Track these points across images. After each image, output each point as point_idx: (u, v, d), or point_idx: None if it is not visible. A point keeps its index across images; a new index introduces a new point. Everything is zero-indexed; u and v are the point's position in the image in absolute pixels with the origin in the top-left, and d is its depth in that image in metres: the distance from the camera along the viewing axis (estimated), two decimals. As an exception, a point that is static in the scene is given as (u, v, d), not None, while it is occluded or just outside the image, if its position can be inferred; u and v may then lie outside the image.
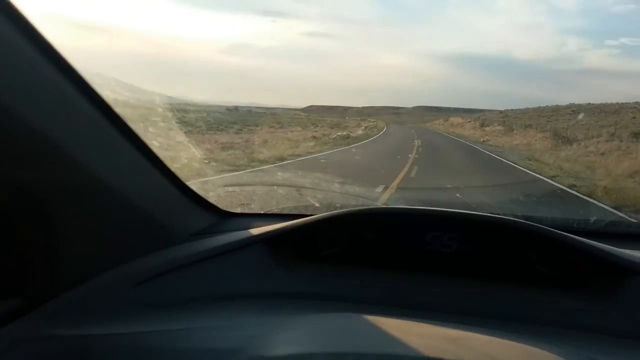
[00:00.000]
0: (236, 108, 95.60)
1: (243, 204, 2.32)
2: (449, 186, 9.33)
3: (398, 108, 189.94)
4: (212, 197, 1.88)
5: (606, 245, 1.50)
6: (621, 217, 8.79)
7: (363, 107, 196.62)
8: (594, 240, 1.66)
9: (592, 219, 2.24)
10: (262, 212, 2.16)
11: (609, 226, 2.23)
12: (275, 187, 3.25)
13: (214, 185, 2.63)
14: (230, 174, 9.37)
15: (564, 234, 1.48)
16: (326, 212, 1.79)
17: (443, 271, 1.58)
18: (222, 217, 1.92)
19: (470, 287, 1.51)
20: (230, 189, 3.43)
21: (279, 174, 7.18)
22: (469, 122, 60.11)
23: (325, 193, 2.92)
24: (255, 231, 1.62)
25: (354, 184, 7.53)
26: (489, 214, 1.58)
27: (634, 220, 6.20)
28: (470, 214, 1.58)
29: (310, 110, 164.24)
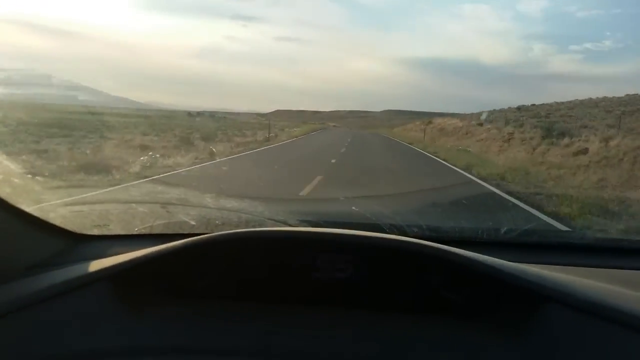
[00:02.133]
0: (198, 113, 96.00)
1: (99, 225, 1.98)
2: (342, 198, 8.32)
3: (367, 112, 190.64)
4: (55, 220, 1.63)
5: (518, 266, 1.38)
6: (535, 218, 8.51)
7: (331, 112, 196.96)
8: (507, 253, 1.72)
9: (503, 229, 2.14)
10: (125, 233, 1.93)
11: (522, 236, 2.14)
12: (133, 204, 2.79)
13: (51, 205, 2.11)
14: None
15: (466, 256, 1.34)
16: (205, 230, 1.74)
17: (333, 302, 1.41)
18: (75, 242, 1.70)
19: (359, 322, 1.34)
20: (76, 208, 2.91)
21: (132, 190, 6.27)
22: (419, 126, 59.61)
23: (199, 209, 2.55)
24: (101, 263, 1.41)
25: (234, 196, 6.70)
26: (377, 235, 1.41)
27: (550, 230, 5.71)
28: (357, 235, 1.42)
29: (275, 114, 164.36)
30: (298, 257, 1.48)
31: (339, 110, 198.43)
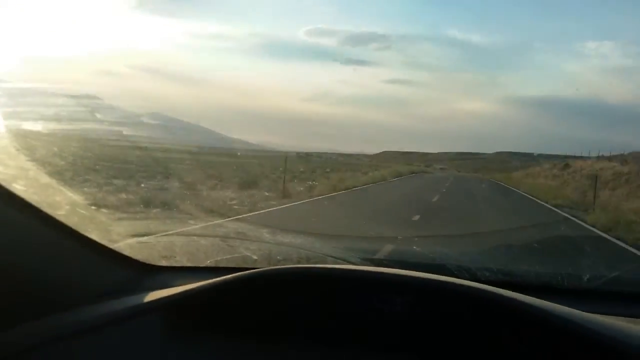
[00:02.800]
0: (306, 154, 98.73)
1: (167, 257, 2.07)
2: (400, 237, 8.08)
3: (477, 154, 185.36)
4: (124, 249, 1.71)
5: (599, 318, 1.24)
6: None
7: (440, 153, 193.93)
8: (590, 303, 1.48)
9: (586, 275, 1.93)
10: (191, 265, 1.96)
11: (609, 285, 1.93)
12: (194, 237, 2.98)
13: (118, 235, 2.27)
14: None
15: (539, 307, 1.22)
16: (268, 265, 1.64)
17: (392, 346, 1.35)
18: (144, 272, 1.72)
19: None
20: (142, 239, 3.08)
21: (191, 222, 6.48)
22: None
23: (258, 244, 2.61)
24: (161, 293, 1.46)
25: (291, 231, 6.74)
26: (438, 278, 1.35)
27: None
28: (415, 277, 1.37)
29: (382, 156, 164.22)
30: (357, 296, 1.41)
31: (448, 152, 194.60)
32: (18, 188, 1.22)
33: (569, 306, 1.30)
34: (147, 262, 1.78)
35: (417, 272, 1.41)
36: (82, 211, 1.64)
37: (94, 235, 1.47)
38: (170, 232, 5.03)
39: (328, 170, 37.78)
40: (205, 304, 1.44)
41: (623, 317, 1.48)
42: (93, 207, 2.20)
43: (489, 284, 1.42)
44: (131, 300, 1.43)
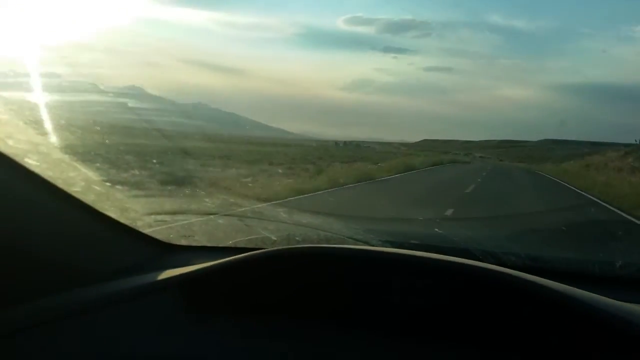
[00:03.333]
0: (344, 143, 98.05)
1: (186, 236, 2.08)
2: (421, 218, 7.66)
3: (521, 142, 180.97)
4: (143, 228, 1.73)
5: (628, 306, 1.21)
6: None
7: (481, 141, 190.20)
8: (624, 292, 1.43)
9: (619, 262, 1.81)
10: (211, 245, 1.97)
11: None
12: (212, 216, 2.94)
13: (136, 212, 2.29)
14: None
15: (563, 292, 1.19)
16: (287, 246, 1.63)
17: (407, 330, 1.32)
18: (163, 251, 1.74)
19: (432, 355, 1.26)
20: (159, 217, 3.11)
21: (207, 200, 6.45)
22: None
23: (276, 224, 2.59)
24: (178, 271, 1.47)
25: (307, 211, 6.31)
26: (459, 261, 1.33)
27: None
28: (437, 260, 1.34)
29: (422, 144, 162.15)
30: (376, 277, 1.39)
31: (490, 140, 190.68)
32: (31, 163, 1.23)
33: (599, 293, 1.26)
34: (167, 241, 1.79)
35: (439, 255, 1.37)
36: (97, 188, 1.63)
37: (111, 213, 1.47)
38: (188, 212, 4.91)
39: (348, 160, 34.14)
40: (223, 281, 1.45)
41: None
42: (108, 184, 2.22)
43: (515, 269, 1.38)
44: (150, 277, 1.45)
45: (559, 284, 1.22)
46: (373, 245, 1.86)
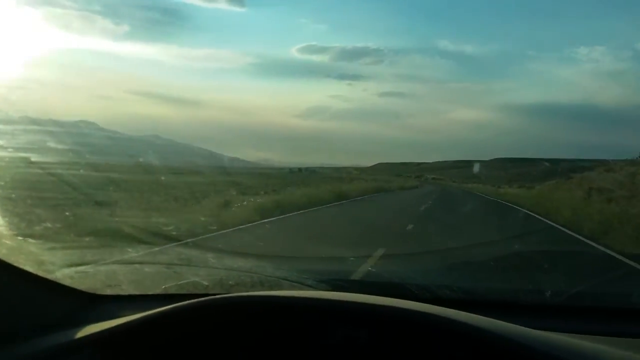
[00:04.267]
0: (299, 169, 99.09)
1: (112, 285, 1.96)
2: (352, 258, 7.22)
3: (473, 161, 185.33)
4: (62, 279, 1.63)
5: (552, 337, 1.18)
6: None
7: (435, 162, 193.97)
8: (554, 320, 1.57)
9: (548, 292, 1.93)
10: (139, 293, 1.88)
11: (572, 300, 1.93)
12: (137, 265, 2.80)
13: (53, 265, 2.11)
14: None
15: (497, 332, 1.14)
16: (220, 291, 1.63)
17: None
18: (87, 303, 1.65)
19: None
20: (80, 268, 2.87)
21: (129, 249, 5.77)
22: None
23: (206, 269, 2.48)
24: (99, 326, 1.38)
25: (237, 255, 6.13)
26: (396, 306, 1.25)
27: (605, 292, 4.09)
28: (375, 305, 1.27)
29: (376, 168, 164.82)
30: (309, 323, 1.35)
31: (444, 161, 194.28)
32: None
33: (530, 323, 1.28)
34: (92, 291, 1.72)
35: (372, 297, 1.32)
36: (8, 242, 1.62)
37: (27, 267, 1.42)
38: (109, 261, 4.62)
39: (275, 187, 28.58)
40: (150, 335, 1.35)
41: (580, 335, 1.46)
42: (19, 238, 2.19)
43: (449, 303, 1.42)
44: (70, 334, 1.36)
45: (484, 318, 1.21)
46: (309, 286, 1.86)
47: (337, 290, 1.82)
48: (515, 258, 6.91)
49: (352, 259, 7.19)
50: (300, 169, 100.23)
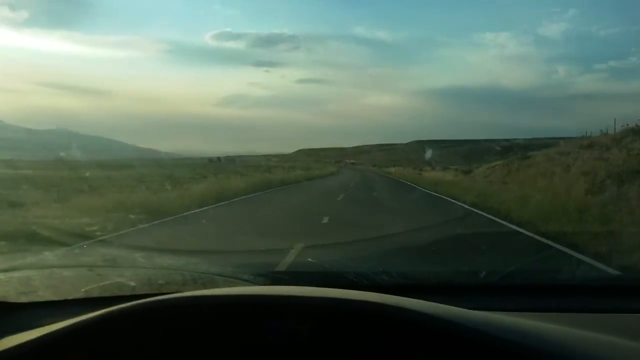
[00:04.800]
0: (218, 158, 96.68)
1: (26, 292, 1.72)
2: (292, 249, 6.81)
3: (393, 145, 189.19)
4: None
5: (481, 315, 1.20)
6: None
7: (356, 147, 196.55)
8: (489, 299, 1.71)
9: (482, 272, 1.99)
10: (57, 299, 1.71)
11: (504, 279, 2.01)
12: (55, 269, 2.30)
13: None
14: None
15: (415, 309, 1.15)
16: (149, 291, 1.58)
17: None
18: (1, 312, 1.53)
19: None
20: None
21: (46, 252, 5.10)
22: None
23: (134, 269, 2.17)
24: (13, 340, 1.27)
25: (168, 253, 5.75)
26: (328, 296, 1.23)
27: (535, 270, 4.05)
28: (309, 297, 1.25)
29: (298, 154, 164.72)
30: (244, 321, 1.25)
31: (364, 145, 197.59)
32: None
33: (466, 303, 1.35)
34: (2, 299, 1.62)
35: (309, 289, 1.32)
36: None
37: None
38: (23, 267, 3.73)
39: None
40: (67, 348, 1.23)
41: (518, 313, 1.55)
42: None
43: (388, 289, 1.58)
44: None
45: (418, 301, 1.22)
46: (245, 281, 1.86)
47: (275, 283, 1.83)
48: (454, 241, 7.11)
49: (292, 249, 6.88)
50: (219, 158, 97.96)
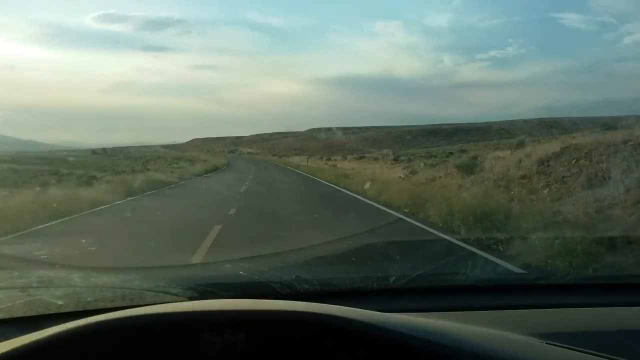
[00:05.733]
0: (104, 150, 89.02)
1: None
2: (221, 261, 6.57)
3: (291, 133, 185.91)
4: None
5: (404, 321, 1.32)
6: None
7: (253, 135, 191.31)
8: (397, 301, 1.95)
9: (392, 277, 2.19)
10: None
11: (411, 282, 2.18)
12: None
13: None
14: None
15: (346, 318, 1.27)
16: (75, 308, 1.61)
17: None
18: None
19: None
20: None
21: None
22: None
23: (66, 289, 2.09)
24: None
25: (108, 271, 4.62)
26: (257, 308, 1.34)
27: (438, 273, 3.21)
28: (237, 311, 1.33)
29: (192, 143, 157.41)
30: (178, 336, 1.27)
31: (262, 134, 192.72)
32: None
33: (378, 306, 1.53)
34: None
35: (238, 301, 1.43)
36: None
37: None
38: None
39: None
40: None
41: (423, 313, 1.74)
42: None
43: (308, 295, 1.80)
44: None
45: (336, 307, 1.31)
46: (174, 294, 1.90)
47: (203, 295, 1.87)
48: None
49: (221, 260, 6.88)
50: (105, 150, 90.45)
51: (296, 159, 52.62)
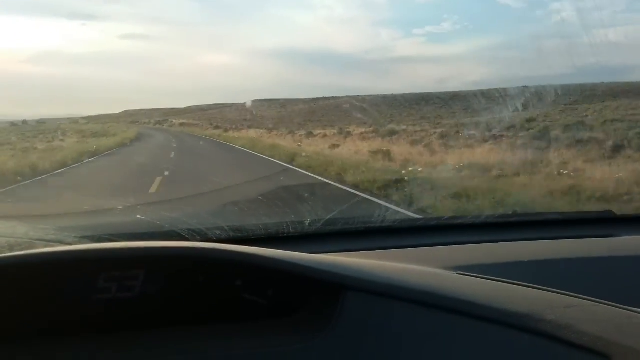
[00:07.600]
0: (24, 122, 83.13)
1: None
2: (120, 207, 6.55)
3: (229, 104, 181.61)
4: None
5: (314, 258, 1.31)
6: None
7: (190, 107, 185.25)
8: (313, 245, 1.91)
9: (307, 220, 2.20)
10: None
11: (326, 226, 2.21)
12: None
13: None
14: None
15: (258, 255, 1.22)
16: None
17: (122, 324, 1.20)
18: None
19: (147, 342, 1.15)
20: None
21: None
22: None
23: None
24: None
25: None
26: (161, 245, 1.24)
27: (353, 217, 3.28)
28: (143, 248, 1.22)
29: (124, 115, 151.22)
30: (74, 280, 1.19)
31: (200, 105, 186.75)
32: None
33: (295, 250, 1.45)
34: None
35: (139, 242, 1.25)
36: None
37: None
38: None
39: None
40: None
41: (338, 253, 1.77)
42: None
43: (220, 242, 1.64)
44: None
45: (257, 248, 1.26)
46: (69, 244, 1.80)
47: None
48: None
49: (120, 207, 6.52)
50: (25, 122, 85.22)
51: (244, 133, 38.53)
